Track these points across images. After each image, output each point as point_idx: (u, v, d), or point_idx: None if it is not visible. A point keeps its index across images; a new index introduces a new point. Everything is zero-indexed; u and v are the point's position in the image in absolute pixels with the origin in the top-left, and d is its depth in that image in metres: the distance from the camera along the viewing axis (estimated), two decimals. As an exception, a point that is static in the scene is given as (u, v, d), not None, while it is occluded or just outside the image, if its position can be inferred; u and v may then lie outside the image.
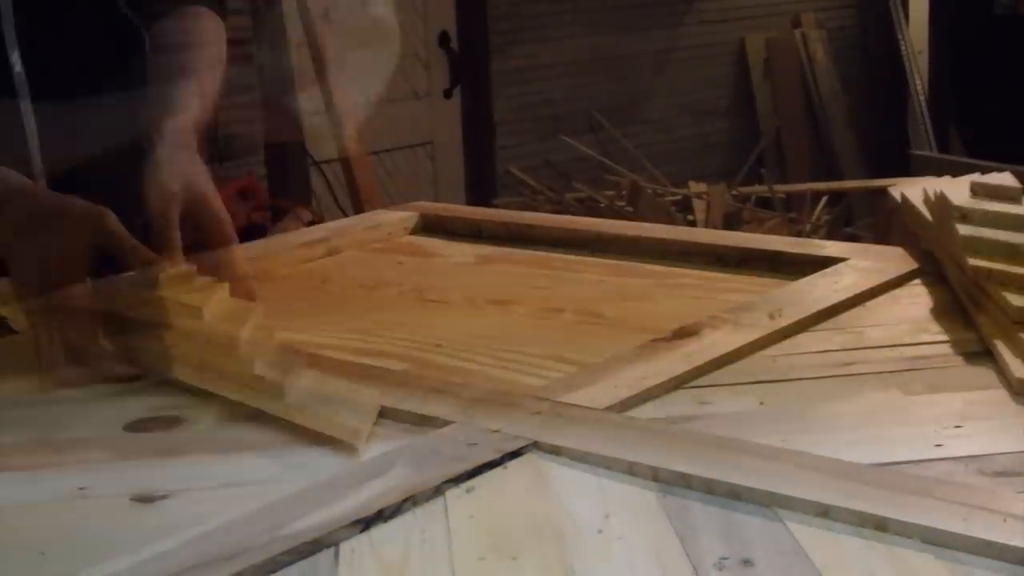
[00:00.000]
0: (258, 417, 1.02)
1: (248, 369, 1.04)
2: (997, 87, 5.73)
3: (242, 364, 1.05)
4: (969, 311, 1.17)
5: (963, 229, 1.20)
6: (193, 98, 1.31)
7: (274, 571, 0.76)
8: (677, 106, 5.36)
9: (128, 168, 1.22)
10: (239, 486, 0.89)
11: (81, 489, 0.90)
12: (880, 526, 0.77)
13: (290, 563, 0.77)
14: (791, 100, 5.70)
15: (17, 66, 1.31)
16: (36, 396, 1.11)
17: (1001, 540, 0.74)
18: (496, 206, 3.81)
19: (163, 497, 0.88)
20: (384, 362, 1.16)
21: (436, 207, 1.78)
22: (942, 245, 1.29)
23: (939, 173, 1.44)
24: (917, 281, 1.31)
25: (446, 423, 0.96)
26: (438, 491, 0.85)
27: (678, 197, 4.77)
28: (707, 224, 4.42)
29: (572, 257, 1.53)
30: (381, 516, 0.82)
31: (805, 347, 1.14)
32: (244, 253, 1.26)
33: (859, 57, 6.07)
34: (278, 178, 3.76)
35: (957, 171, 1.43)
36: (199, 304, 1.10)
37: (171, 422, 1.03)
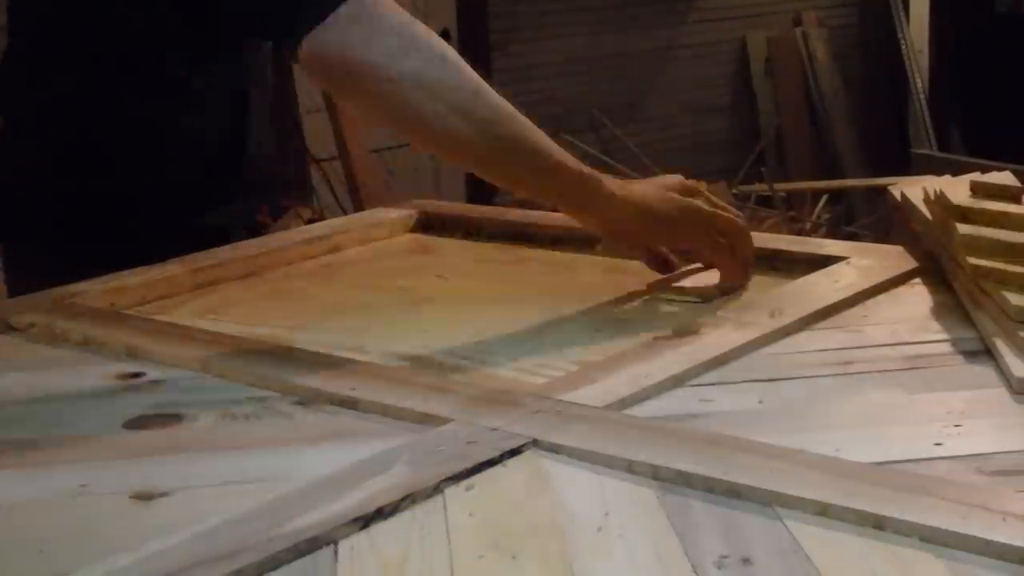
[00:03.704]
0: (258, 414, 1.03)
1: None
2: (997, 86, 5.73)
3: None
4: (969, 310, 1.17)
5: (963, 228, 1.20)
6: None
7: (274, 569, 0.76)
8: (678, 104, 5.36)
9: None
10: (239, 483, 0.89)
11: (81, 486, 0.90)
12: (879, 525, 0.77)
13: (289, 561, 0.77)
14: (792, 98, 5.70)
15: None
16: (35, 393, 1.12)
17: (1000, 539, 0.74)
18: (497, 204, 3.80)
19: (163, 495, 0.88)
20: (384, 359, 1.16)
21: (437, 205, 1.78)
22: (942, 244, 1.29)
23: (939, 172, 1.43)
24: (917, 280, 1.31)
25: (446, 421, 0.96)
26: (438, 489, 0.85)
27: (678, 195, 4.76)
28: (707, 222, 4.41)
29: (572, 255, 1.53)
30: (381, 514, 0.82)
31: (805, 346, 1.14)
32: (244, 251, 1.25)
33: (860, 56, 6.07)
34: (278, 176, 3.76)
35: (957, 170, 1.43)
36: None
37: (171, 419, 1.03)
